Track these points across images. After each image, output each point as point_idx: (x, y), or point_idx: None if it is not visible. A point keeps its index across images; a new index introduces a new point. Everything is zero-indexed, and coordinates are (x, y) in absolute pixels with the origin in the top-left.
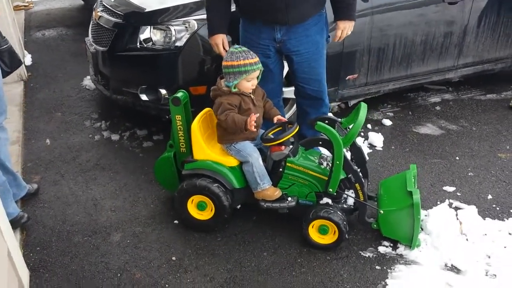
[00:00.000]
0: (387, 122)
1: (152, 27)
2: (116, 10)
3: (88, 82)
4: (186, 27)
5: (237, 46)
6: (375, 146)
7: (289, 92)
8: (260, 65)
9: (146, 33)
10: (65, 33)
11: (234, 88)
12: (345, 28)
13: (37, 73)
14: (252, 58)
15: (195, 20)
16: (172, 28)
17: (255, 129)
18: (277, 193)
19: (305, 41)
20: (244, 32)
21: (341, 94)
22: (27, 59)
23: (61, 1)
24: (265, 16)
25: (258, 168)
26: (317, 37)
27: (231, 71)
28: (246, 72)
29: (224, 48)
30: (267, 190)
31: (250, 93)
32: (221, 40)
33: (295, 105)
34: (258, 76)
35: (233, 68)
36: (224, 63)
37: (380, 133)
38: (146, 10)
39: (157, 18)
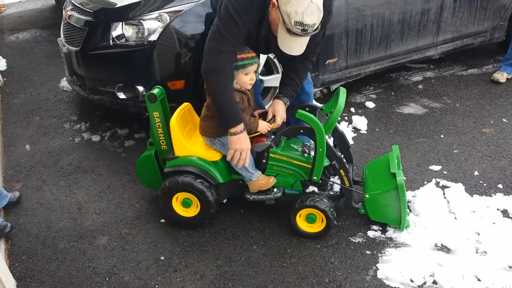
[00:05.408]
0: (370, 104)
1: (123, 23)
2: (86, 8)
3: (65, 83)
4: (158, 20)
5: None
6: (360, 130)
7: (269, 81)
8: (257, 59)
9: (118, 29)
10: (39, 35)
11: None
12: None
13: (12, 78)
14: (248, 52)
15: (167, 13)
16: (144, 23)
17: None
18: (272, 180)
19: None
20: None
21: (322, 79)
22: (2, 64)
23: (34, 3)
24: None
25: None
26: None
27: None
28: (243, 66)
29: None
30: (260, 180)
31: (248, 90)
32: (249, 147)
33: (276, 93)
34: (256, 71)
35: None
36: None
37: (363, 116)
38: (117, 6)
39: (128, 13)
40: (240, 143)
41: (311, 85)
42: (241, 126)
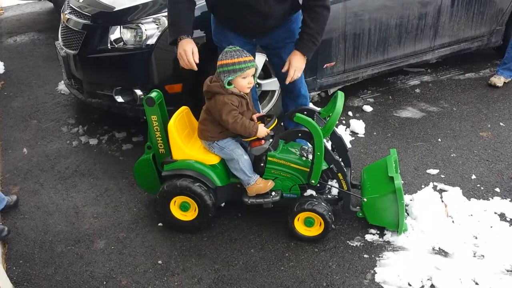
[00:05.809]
0: (368, 108)
1: (121, 26)
2: (84, 11)
3: (63, 87)
4: (156, 24)
5: (231, 46)
6: (357, 134)
7: (267, 84)
8: (255, 63)
9: (116, 33)
10: (37, 38)
11: (229, 84)
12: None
13: (10, 81)
14: (246, 56)
15: (165, 16)
16: (142, 27)
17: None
18: (270, 183)
19: (281, 36)
20: (216, 26)
21: (320, 83)
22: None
23: (32, 6)
24: (242, 32)
25: (245, 163)
26: (293, 25)
27: (225, 69)
28: (240, 69)
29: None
30: (258, 183)
31: (246, 93)
32: (191, 47)
33: (274, 97)
34: (254, 75)
35: (227, 66)
36: (218, 62)
37: (361, 120)
38: (115, 9)
39: (126, 17)
40: (182, 47)
41: (306, 88)
42: (187, 35)
